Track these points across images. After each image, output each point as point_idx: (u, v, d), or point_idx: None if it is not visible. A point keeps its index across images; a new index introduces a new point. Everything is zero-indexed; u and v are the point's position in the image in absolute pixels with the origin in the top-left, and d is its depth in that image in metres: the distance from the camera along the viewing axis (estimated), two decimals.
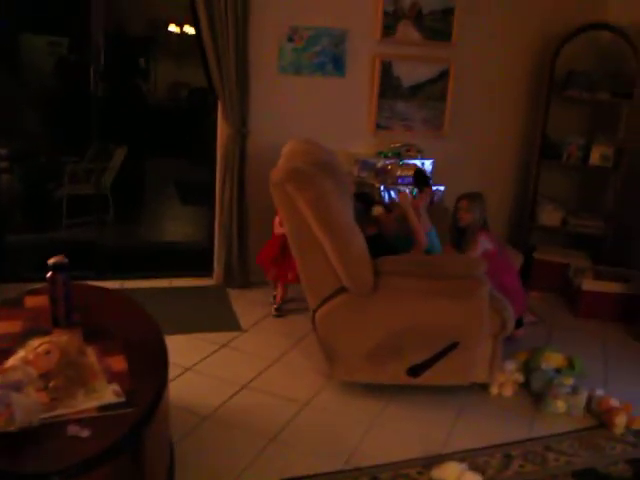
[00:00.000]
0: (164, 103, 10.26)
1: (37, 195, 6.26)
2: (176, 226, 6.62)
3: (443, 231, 4.00)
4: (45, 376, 1.96)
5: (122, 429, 1.84)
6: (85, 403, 1.93)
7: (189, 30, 10.04)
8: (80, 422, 1.83)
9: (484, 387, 3.34)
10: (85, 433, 1.78)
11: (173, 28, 10.12)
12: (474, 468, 2.63)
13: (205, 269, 4.69)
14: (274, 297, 4.22)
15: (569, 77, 4.80)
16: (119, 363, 2.19)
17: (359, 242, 3.04)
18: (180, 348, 3.49)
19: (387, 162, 4.52)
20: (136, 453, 1.90)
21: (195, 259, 4.89)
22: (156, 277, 4.65)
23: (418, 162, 4.57)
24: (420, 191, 4.02)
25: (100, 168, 6.17)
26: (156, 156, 7.92)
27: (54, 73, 7.08)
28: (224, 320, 4.02)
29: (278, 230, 3.95)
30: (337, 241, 2.97)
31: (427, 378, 3.14)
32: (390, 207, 4.11)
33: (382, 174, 4.49)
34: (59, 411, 1.87)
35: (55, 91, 7.08)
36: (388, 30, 4.54)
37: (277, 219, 3.95)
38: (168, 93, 10.51)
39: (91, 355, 2.19)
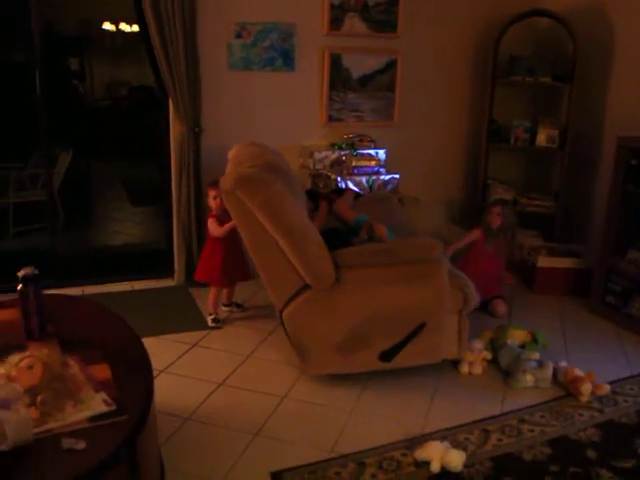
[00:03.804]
0: (104, 103, 10.06)
1: None
2: (129, 228, 6.51)
3: (396, 219, 4.10)
4: (31, 391, 1.93)
5: (117, 438, 1.83)
6: (75, 415, 1.91)
7: (125, 28, 9.86)
8: (74, 434, 1.82)
9: (455, 366, 3.45)
10: (81, 445, 1.77)
11: (108, 26, 9.90)
12: (455, 445, 2.71)
13: (165, 270, 4.65)
14: (224, 304, 4.15)
15: (511, 62, 4.94)
16: (102, 371, 2.17)
17: (316, 239, 3.07)
18: (151, 351, 3.36)
19: (342, 153, 4.57)
20: (133, 460, 1.90)
21: (154, 260, 4.83)
22: (116, 281, 4.58)
23: (372, 151, 4.65)
24: (339, 196, 4.16)
25: (47, 173, 6.01)
26: (102, 157, 7.79)
27: None
28: (191, 320, 4.01)
29: (217, 232, 3.80)
30: (294, 241, 2.99)
31: (399, 361, 3.21)
32: (338, 193, 4.20)
33: (337, 165, 4.54)
34: (50, 425, 1.85)
35: None
36: (335, 23, 4.58)
37: (210, 220, 3.83)
38: (107, 92, 10.31)
39: (73, 366, 2.16)
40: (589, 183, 4.93)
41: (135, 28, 9.02)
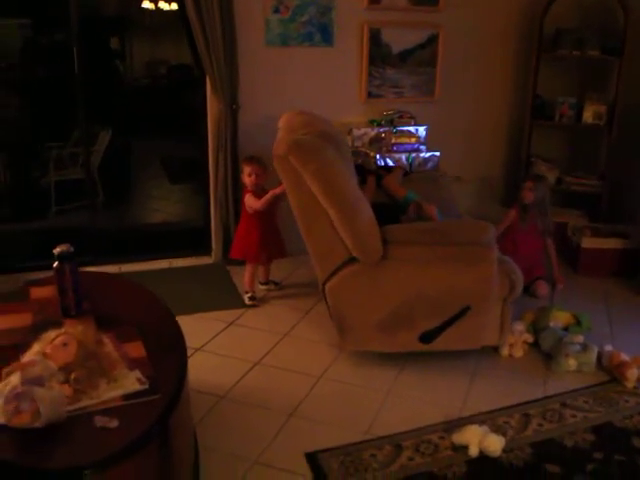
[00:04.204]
0: (143, 82, 10.09)
1: (23, 183, 6.14)
2: (167, 206, 6.55)
3: (443, 198, 4.01)
4: (65, 368, 1.91)
5: (150, 417, 1.82)
6: (109, 393, 1.90)
7: (164, 6, 9.83)
8: (107, 412, 1.81)
9: (495, 349, 3.36)
10: (114, 423, 1.76)
11: (147, 5, 9.89)
12: (494, 430, 2.65)
13: (203, 248, 4.65)
14: (261, 282, 4.11)
15: (557, 36, 4.76)
16: (137, 349, 2.16)
17: (367, 211, 3.02)
18: (187, 329, 3.35)
19: (381, 130, 4.48)
20: (165, 440, 1.88)
21: (192, 238, 4.83)
22: (154, 259, 4.58)
23: (412, 128, 4.54)
24: (388, 173, 4.08)
25: (85, 152, 6.07)
26: (141, 136, 7.81)
27: (27, 57, 6.92)
28: (228, 298, 4.00)
29: (255, 205, 3.74)
30: (344, 211, 2.94)
31: (439, 344, 3.14)
32: (386, 169, 4.12)
33: (376, 142, 4.45)
34: (84, 403, 1.84)
35: (31, 75, 6.93)
36: None
37: (247, 196, 3.79)
38: (146, 71, 10.33)
39: (108, 344, 2.15)
40: (637, 161, 4.74)
41: (174, 6, 8.98)
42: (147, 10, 10.00)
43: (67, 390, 1.86)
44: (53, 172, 5.96)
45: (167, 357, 2.17)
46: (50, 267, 2.39)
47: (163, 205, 6.55)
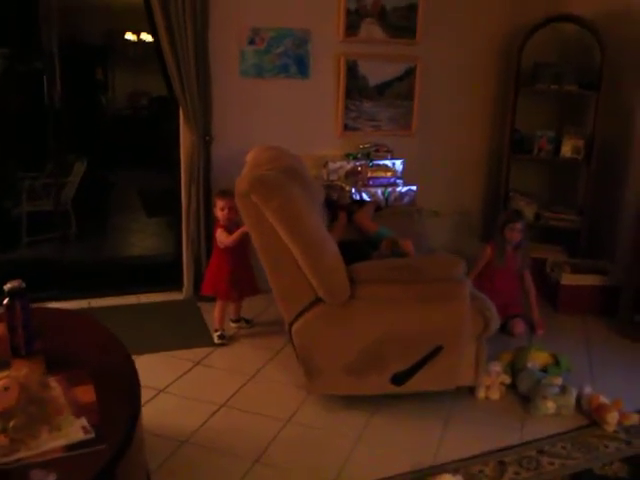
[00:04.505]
0: (124, 113, 10.03)
1: None
2: (142, 239, 6.40)
3: (416, 233, 3.93)
4: (4, 415, 1.79)
5: (93, 469, 1.68)
6: (50, 443, 1.76)
7: (147, 38, 9.82)
8: (45, 465, 1.67)
9: (471, 391, 3.24)
10: (52, 478, 1.62)
11: (130, 36, 9.89)
12: (469, 479, 2.52)
13: (174, 283, 4.52)
14: (232, 319, 4.00)
15: (535, 70, 4.74)
16: (87, 394, 2.03)
17: (332, 250, 2.91)
18: (152, 368, 3.33)
19: (357, 163, 4.41)
20: None
21: (163, 273, 4.70)
22: (124, 294, 4.45)
23: (388, 162, 4.48)
24: (360, 208, 4.02)
25: (60, 183, 5.95)
26: (119, 167, 7.73)
27: (3, 85, 6.82)
28: (196, 336, 3.86)
29: (227, 240, 3.65)
30: (309, 250, 2.83)
31: (411, 385, 3.02)
32: (359, 204, 4.04)
33: (352, 176, 4.38)
34: (21, 454, 1.71)
35: (7, 104, 6.82)
36: (351, 29, 4.43)
37: (219, 230, 3.70)
38: (128, 102, 10.28)
39: (55, 387, 2.02)
40: (616, 196, 4.70)
41: None
42: (130, 41, 10.01)
43: (3, 440, 1.72)
44: (26, 203, 5.83)
45: (119, 402, 2.04)
46: None
47: (138, 238, 6.42)
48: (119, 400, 2.04)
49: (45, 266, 4.84)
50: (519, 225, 3.99)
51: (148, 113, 9.85)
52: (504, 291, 3.97)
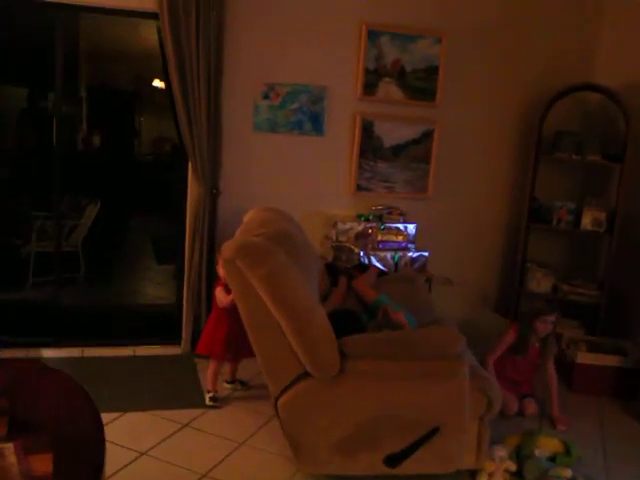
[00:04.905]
0: (146, 158, 10.11)
1: (2, 251, 5.95)
2: (148, 287, 6.29)
3: (419, 300, 3.76)
4: None
5: None
6: None
7: None
8: None
9: (472, 475, 3.00)
10: None
11: (157, 83, 10.02)
12: None
13: (174, 335, 4.36)
14: (227, 381, 3.84)
15: (557, 139, 4.62)
16: (43, 463, 1.86)
17: (321, 322, 2.72)
18: (137, 428, 3.17)
19: (368, 225, 4.27)
20: None
21: (164, 323, 4.56)
22: (120, 345, 4.32)
23: (400, 226, 4.34)
24: (362, 273, 3.87)
25: (71, 224, 5.91)
26: (133, 212, 7.70)
27: (21, 125, 6.90)
28: (189, 395, 3.69)
29: (225, 300, 3.51)
30: (295, 321, 2.66)
31: (407, 467, 2.81)
32: (361, 269, 3.90)
33: (362, 238, 4.24)
34: None
35: (26, 142, 6.88)
36: (369, 88, 4.38)
37: (218, 289, 3.56)
38: (152, 147, 10.37)
39: (9, 455, 1.86)
40: (639, 272, 4.49)
41: None
42: (157, 88, 10.15)
43: None
44: (35, 242, 5.78)
45: (78, 475, 1.87)
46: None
47: (144, 286, 6.30)
48: (79, 471, 1.88)
49: (45, 310, 4.73)
50: (552, 318, 3.72)
51: (170, 159, 9.91)
52: (517, 370, 3.78)
